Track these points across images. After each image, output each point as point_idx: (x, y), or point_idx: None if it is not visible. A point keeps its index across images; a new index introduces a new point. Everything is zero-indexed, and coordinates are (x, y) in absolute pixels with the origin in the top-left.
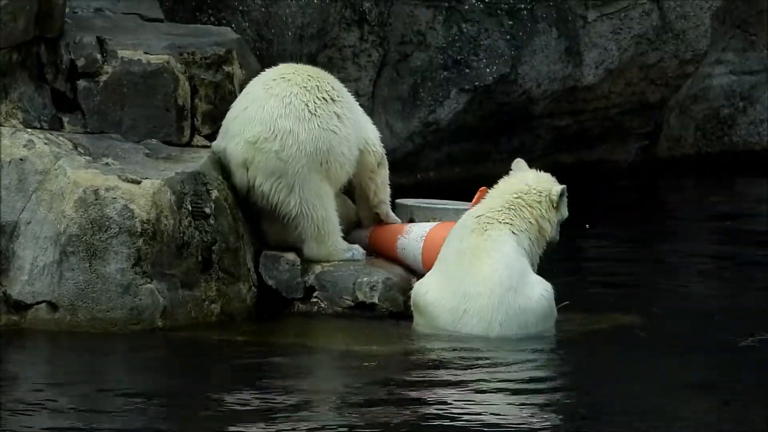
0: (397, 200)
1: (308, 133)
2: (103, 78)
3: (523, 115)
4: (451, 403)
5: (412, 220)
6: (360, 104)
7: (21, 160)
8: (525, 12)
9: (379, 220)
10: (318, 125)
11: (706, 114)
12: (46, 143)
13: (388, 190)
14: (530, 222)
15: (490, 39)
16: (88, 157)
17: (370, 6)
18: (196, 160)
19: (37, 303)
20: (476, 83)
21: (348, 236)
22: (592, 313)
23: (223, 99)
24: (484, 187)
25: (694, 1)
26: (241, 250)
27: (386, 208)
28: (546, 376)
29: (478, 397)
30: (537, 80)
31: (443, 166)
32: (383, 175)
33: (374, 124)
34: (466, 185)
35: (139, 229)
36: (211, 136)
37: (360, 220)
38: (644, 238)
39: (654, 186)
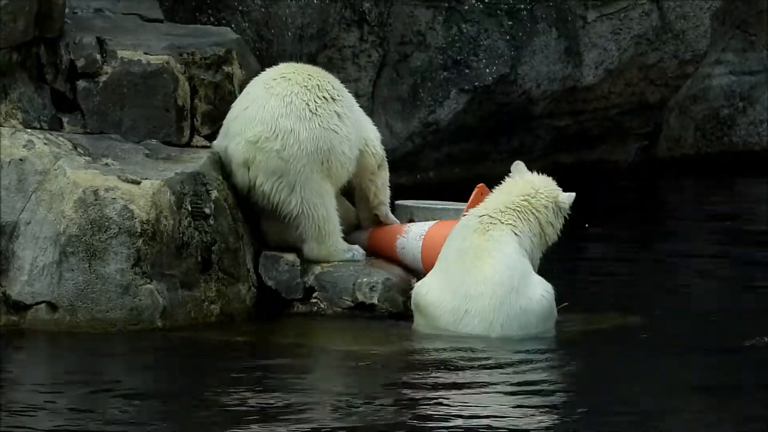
0: (397, 201)
1: (309, 133)
2: (103, 78)
3: (522, 115)
4: (451, 404)
5: (411, 221)
6: (360, 104)
7: (21, 160)
8: (525, 12)
9: (378, 222)
10: (319, 124)
11: (706, 114)
12: (45, 143)
13: (388, 192)
14: (534, 225)
15: (489, 39)
16: (87, 158)
17: (370, 6)
18: (196, 161)
19: (37, 303)
20: (476, 83)
21: (347, 238)
22: (592, 313)
23: (222, 99)
24: (482, 184)
25: (694, 1)
26: (240, 250)
27: (386, 210)
28: (546, 377)
29: (478, 397)
30: (537, 80)
31: (443, 166)
32: (383, 176)
33: (374, 124)
34: (465, 185)
35: (139, 230)
36: (211, 137)
37: (359, 221)
38: (644, 239)
39: (654, 186)
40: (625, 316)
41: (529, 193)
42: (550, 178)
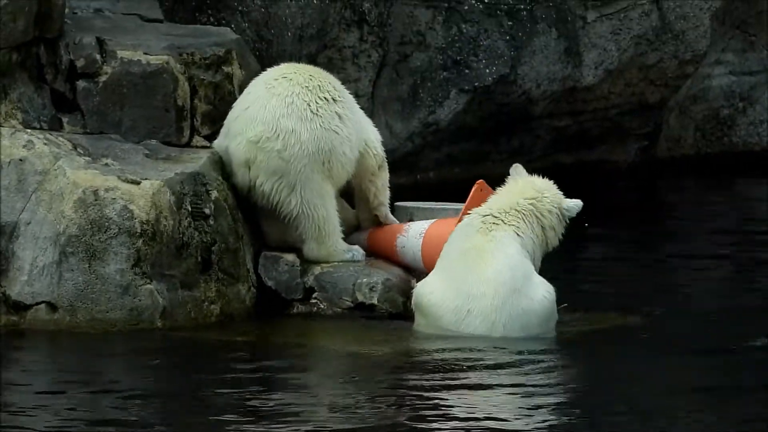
0: (396, 203)
1: (310, 133)
2: (103, 78)
3: (522, 115)
4: (451, 404)
5: (412, 221)
6: (359, 105)
7: (20, 160)
8: (524, 12)
9: (378, 223)
10: (320, 125)
11: (706, 114)
12: (45, 144)
13: (387, 193)
14: (537, 229)
15: (489, 39)
16: (87, 158)
17: (370, 6)
18: (196, 161)
19: (37, 303)
20: (476, 84)
21: (347, 239)
22: (592, 313)
23: (222, 99)
24: (481, 180)
25: (694, 1)
26: (240, 250)
27: (385, 210)
28: (546, 377)
29: (479, 398)
30: (536, 81)
31: (443, 166)
32: (383, 177)
33: (374, 124)
34: (465, 185)
35: (139, 230)
36: (211, 137)
37: (358, 222)
38: (644, 239)
39: (654, 186)
40: (625, 316)
41: (535, 197)
42: (551, 181)
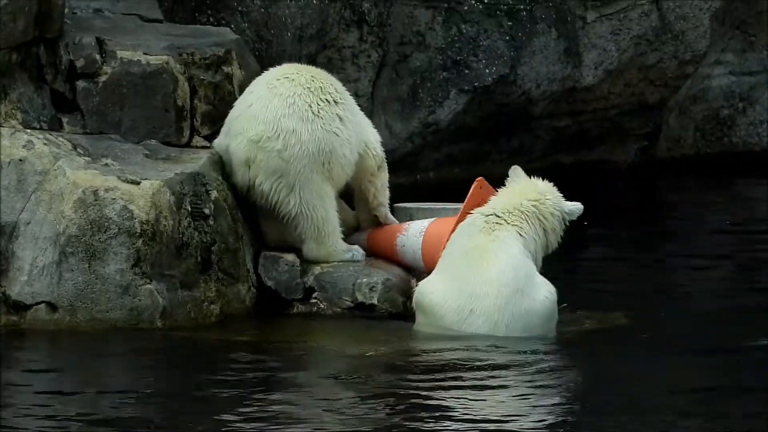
0: (396, 204)
1: (311, 134)
2: (103, 79)
3: (522, 115)
4: (451, 404)
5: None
6: (359, 105)
7: (20, 160)
8: (524, 13)
9: (377, 223)
10: (321, 126)
11: (706, 115)
12: (45, 144)
13: (387, 193)
14: (539, 230)
15: (489, 40)
16: (87, 158)
17: (370, 6)
18: (196, 161)
19: (37, 303)
20: (475, 84)
21: (346, 239)
22: (592, 313)
23: (222, 100)
24: (480, 178)
25: (694, 1)
26: (240, 250)
27: (385, 211)
28: (546, 377)
29: (478, 397)
30: (536, 81)
31: (443, 166)
32: (383, 178)
33: (374, 124)
34: (465, 186)
35: (139, 230)
36: (211, 137)
37: (358, 223)
38: (644, 239)
39: (653, 187)
40: (625, 316)
41: (537, 199)
42: (552, 183)
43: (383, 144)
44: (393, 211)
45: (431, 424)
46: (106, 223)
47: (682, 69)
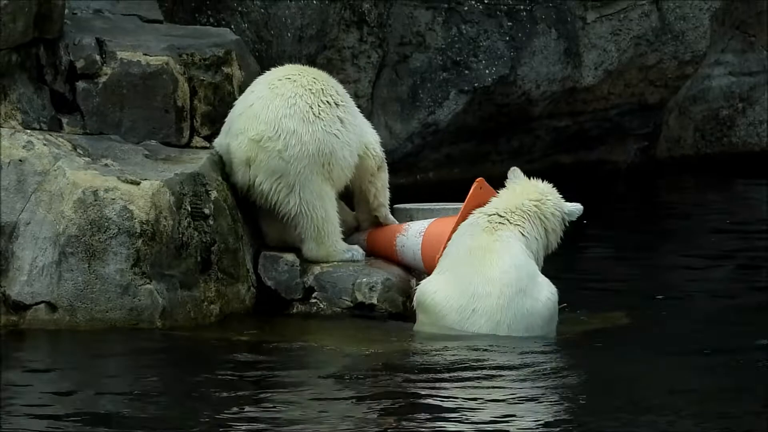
0: (396, 205)
1: (311, 136)
2: (103, 79)
3: (522, 116)
4: (451, 404)
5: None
6: (359, 105)
7: (20, 161)
8: (524, 13)
9: (377, 224)
10: (322, 128)
11: (706, 115)
12: (45, 144)
13: (387, 194)
14: (541, 230)
15: (489, 40)
16: (87, 158)
17: (370, 7)
18: (195, 161)
19: (36, 303)
20: (475, 84)
21: (346, 240)
22: (592, 313)
23: (222, 100)
24: (481, 178)
25: (694, 2)
26: (240, 250)
27: (385, 211)
28: (546, 376)
29: (478, 397)
30: (536, 81)
31: (442, 166)
32: (383, 178)
33: (373, 125)
34: (465, 186)
35: (138, 230)
36: (211, 138)
37: (358, 224)
38: (644, 239)
39: (653, 187)
40: (625, 316)
41: (539, 199)
42: (551, 184)
43: (383, 144)
44: (393, 211)
45: (431, 424)
46: (106, 223)
47: (682, 69)
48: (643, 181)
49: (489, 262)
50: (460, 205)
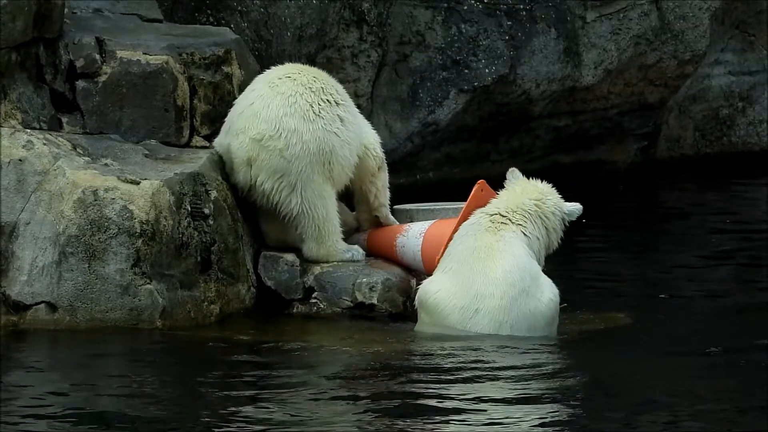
0: (396, 206)
1: (312, 134)
2: (102, 78)
3: (522, 115)
4: (450, 404)
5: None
6: (359, 105)
7: (20, 160)
8: (524, 12)
9: (378, 224)
10: (322, 126)
11: (705, 114)
12: (45, 144)
13: (388, 194)
14: (542, 230)
15: (489, 39)
16: (87, 158)
17: (369, 6)
18: (195, 161)
19: (36, 303)
20: (475, 84)
21: (346, 240)
22: (592, 313)
23: (222, 99)
24: (482, 180)
25: (693, 1)
26: (240, 250)
27: (386, 211)
28: (545, 376)
29: (477, 397)
30: (536, 81)
31: (442, 166)
32: (383, 178)
33: (373, 124)
34: (465, 186)
35: (138, 230)
36: (210, 137)
37: (358, 224)
38: (643, 239)
39: (653, 186)
40: (625, 316)
41: (539, 198)
42: (550, 184)
43: (383, 144)
44: (393, 212)
45: (431, 424)
46: (106, 223)
47: (682, 69)
48: (643, 181)
49: (492, 263)
50: (461, 205)
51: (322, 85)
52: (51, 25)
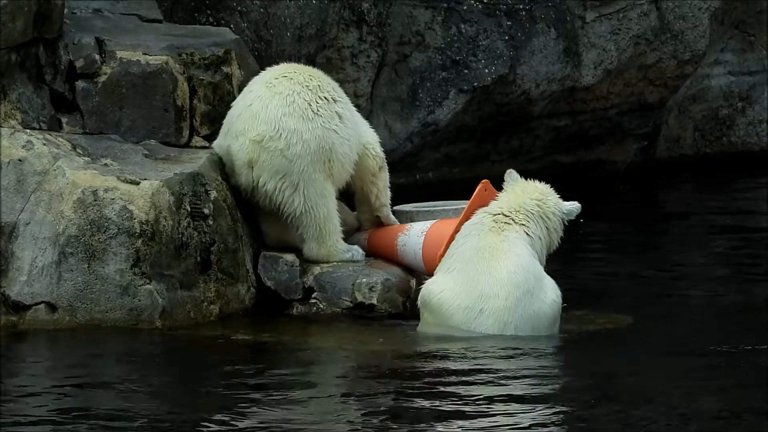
0: (396, 207)
1: (312, 133)
2: (102, 79)
3: (521, 115)
4: (450, 405)
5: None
6: (358, 105)
7: (20, 160)
8: (523, 12)
9: (378, 224)
10: (321, 124)
11: (705, 115)
12: (44, 144)
13: (389, 193)
14: (543, 230)
15: (488, 39)
16: (86, 158)
17: (369, 6)
18: (195, 161)
19: (36, 304)
20: (475, 84)
21: (346, 240)
22: (593, 313)
23: (221, 100)
24: (486, 180)
25: (693, 1)
26: (239, 250)
27: (387, 211)
28: (545, 376)
29: (477, 397)
30: (536, 81)
31: (442, 166)
32: (384, 178)
33: (373, 124)
34: (465, 185)
35: (138, 230)
36: (210, 137)
37: (359, 224)
38: (643, 239)
39: (653, 186)
40: (625, 316)
41: (540, 198)
42: (549, 184)
43: (383, 144)
44: (393, 213)
45: (431, 424)
46: (106, 223)
47: (682, 69)
48: (643, 181)
49: (497, 263)
50: (461, 205)
51: (319, 83)
52: (51, 26)
